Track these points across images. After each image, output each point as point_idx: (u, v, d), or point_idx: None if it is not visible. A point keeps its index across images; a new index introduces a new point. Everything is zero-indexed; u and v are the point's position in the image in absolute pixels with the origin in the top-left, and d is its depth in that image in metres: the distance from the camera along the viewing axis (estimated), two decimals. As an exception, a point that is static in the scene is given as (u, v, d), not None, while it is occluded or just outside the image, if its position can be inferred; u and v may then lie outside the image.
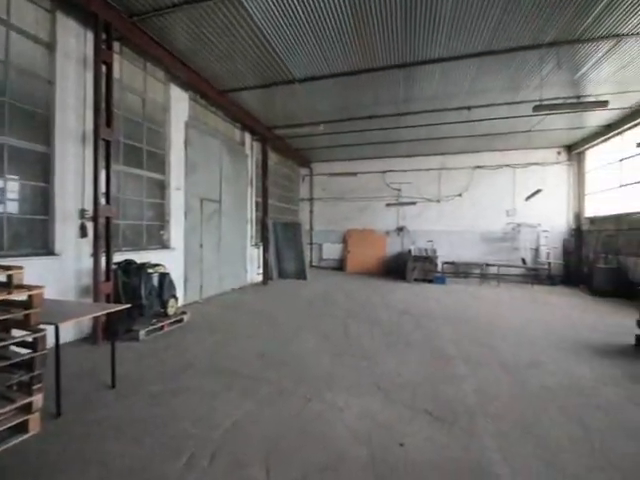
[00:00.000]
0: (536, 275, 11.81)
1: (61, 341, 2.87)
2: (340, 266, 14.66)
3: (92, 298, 4.92)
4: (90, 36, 5.03)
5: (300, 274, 11.69)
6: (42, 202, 4.71)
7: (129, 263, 5.36)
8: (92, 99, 4.88)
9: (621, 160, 9.48)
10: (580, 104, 7.12)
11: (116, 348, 3.55)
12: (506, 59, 6.37)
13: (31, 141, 4.55)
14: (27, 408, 2.60)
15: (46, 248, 4.71)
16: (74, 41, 4.96)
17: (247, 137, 10.49)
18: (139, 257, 5.76)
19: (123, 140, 5.97)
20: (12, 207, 4.45)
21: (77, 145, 5.00)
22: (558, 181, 12.31)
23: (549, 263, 11.83)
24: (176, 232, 7.17)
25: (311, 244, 15.27)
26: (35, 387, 2.63)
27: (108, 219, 5.02)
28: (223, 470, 2.27)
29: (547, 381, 3.74)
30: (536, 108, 6.86)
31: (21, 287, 2.62)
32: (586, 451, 2.51)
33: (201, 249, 7.98)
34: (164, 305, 5.63)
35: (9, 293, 2.54)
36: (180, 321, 5.81)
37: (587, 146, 11.25)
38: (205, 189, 8.25)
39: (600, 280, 9.62)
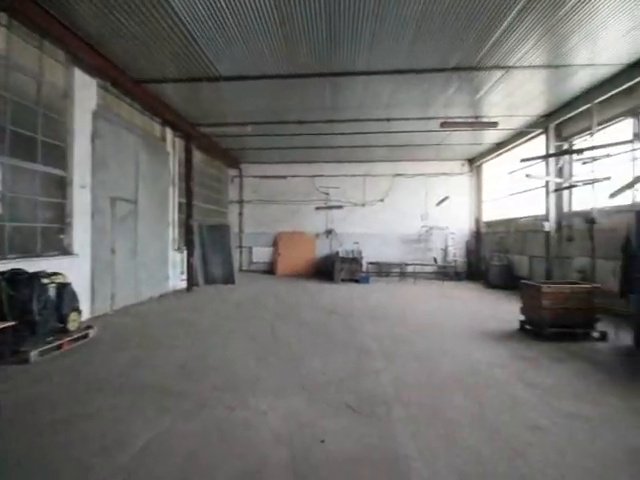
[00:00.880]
0: (446, 272, 13.29)
1: None
2: (271, 269, 14.54)
3: (-36, 316, 4.09)
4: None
5: (228, 278, 11.29)
6: None
7: (17, 273, 4.57)
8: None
9: (510, 173, 11.19)
10: (476, 123, 8.28)
11: (0, 373, 3.00)
12: (418, 79, 7.06)
13: None
14: None
15: None
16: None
17: (169, 133, 9.79)
18: (31, 266, 4.94)
19: (10, 127, 5.10)
20: None
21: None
22: (462, 190, 14.08)
23: (456, 261, 13.45)
24: (80, 236, 6.34)
25: (241, 247, 14.88)
26: None
27: (-13, 220, 4.24)
28: (133, 496, 2.08)
29: (452, 367, 4.23)
30: (442, 125, 7.80)
31: None
32: (480, 425, 2.90)
33: (113, 254, 7.18)
34: (63, 320, 4.92)
35: None
36: (85, 337, 5.14)
37: (484, 160, 13.11)
38: (118, 188, 7.46)
39: (494, 275, 11.29)
